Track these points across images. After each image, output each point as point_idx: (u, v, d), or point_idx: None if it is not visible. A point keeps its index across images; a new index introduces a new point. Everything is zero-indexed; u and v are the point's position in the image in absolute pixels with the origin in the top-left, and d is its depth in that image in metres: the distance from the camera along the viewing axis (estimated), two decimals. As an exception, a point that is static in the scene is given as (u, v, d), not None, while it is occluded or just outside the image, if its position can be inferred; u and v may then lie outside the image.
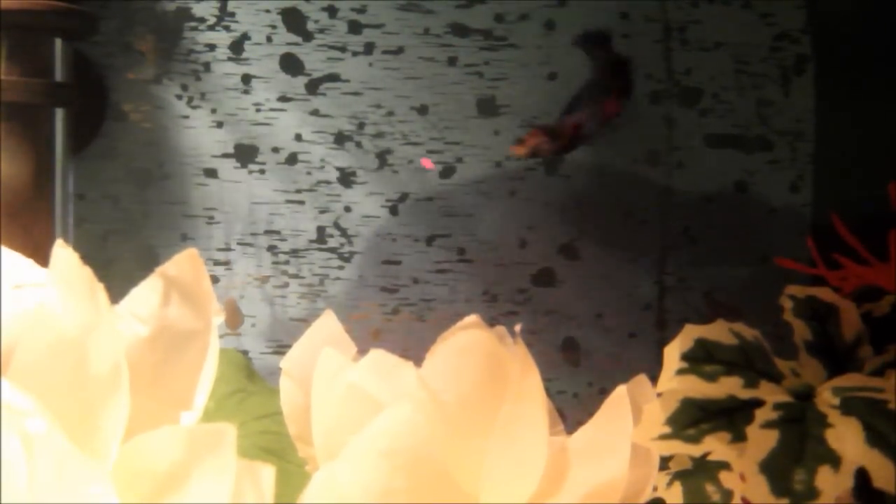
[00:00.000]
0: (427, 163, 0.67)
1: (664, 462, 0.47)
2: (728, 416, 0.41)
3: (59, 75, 0.61)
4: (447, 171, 0.72)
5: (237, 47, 0.71)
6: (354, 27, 0.71)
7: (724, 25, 0.72)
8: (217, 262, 0.71)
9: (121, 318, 0.41)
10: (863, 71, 0.70)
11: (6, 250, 0.42)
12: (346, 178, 0.72)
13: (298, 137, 0.71)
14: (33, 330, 0.39)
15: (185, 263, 0.42)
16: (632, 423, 0.44)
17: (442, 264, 0.72)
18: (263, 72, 0.71)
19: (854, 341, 0.45)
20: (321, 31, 0.71)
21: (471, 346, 0.44)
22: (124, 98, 0.70)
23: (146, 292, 0.41)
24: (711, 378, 0.42)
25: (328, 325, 0.50)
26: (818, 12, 0.71)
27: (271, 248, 0.72)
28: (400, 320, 0.72)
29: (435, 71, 0.72)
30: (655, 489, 0.46)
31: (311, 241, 0.72)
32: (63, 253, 0.39)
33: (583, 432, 0.46)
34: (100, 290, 0.39)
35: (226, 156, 0.71)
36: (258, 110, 0.71)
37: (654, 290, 0.73)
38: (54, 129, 0.61)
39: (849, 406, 0.40)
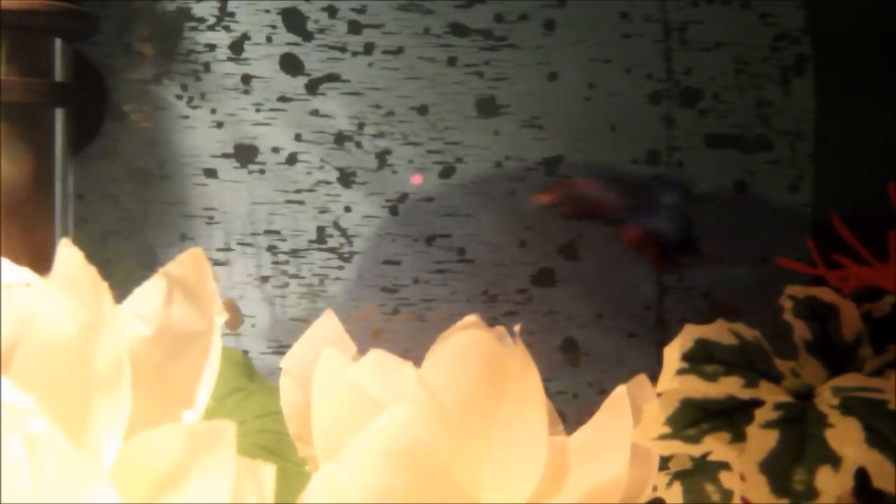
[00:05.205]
0: (417, 179, 0.68)
1: (664, 462, 0.47)
2: (728, 416, 0.41)
3: (59, 75, 0.61)
4: (447, 171, 0.72)
5: (237, 47, 0.71)
6: (354, 27, 0.71)
7: (724, 25, 0.72)
8: (217, 262, 0.71)
9: (124, 318, 0.41)
10: (863, 71, 0.70)
11: None
12: (346, 178, 0.72)
13: (298, 137, 0.71)
14: (34, 329, 0.39)
15: (188, 263, 0.42)
16: (632, 423, 0.44)
17: (442, 264, 0.72)
18: (263, 72, 0.71)
19: (854, 341, 0.45)
20: (321, 31, 0.71)
21: (470, 346, 0.44)
22: (124, 98, 0.70)
23: (149, 292, 0.41)
24: (711, 378, 0.42)
25: (328, 324, 0.50)
26: (818, 12, 0.71)
27: (271, 248, 0.72)
28: (400, 320, 0.72)
29: (435, 71, 0.72)
30: (655, 489, 0.46)
31: (311, 241, 0.72)
32: (68, 252, 0.39)
33: (583, 432, 0.46)
34: (104, 289, 0.39)
35: (226, 156, 0.71)
36: (258, 110, 0.71)
37: (654, 290, 0.73)
38: (54, 129, 0.61)
39: (849, 406, 0.40)
